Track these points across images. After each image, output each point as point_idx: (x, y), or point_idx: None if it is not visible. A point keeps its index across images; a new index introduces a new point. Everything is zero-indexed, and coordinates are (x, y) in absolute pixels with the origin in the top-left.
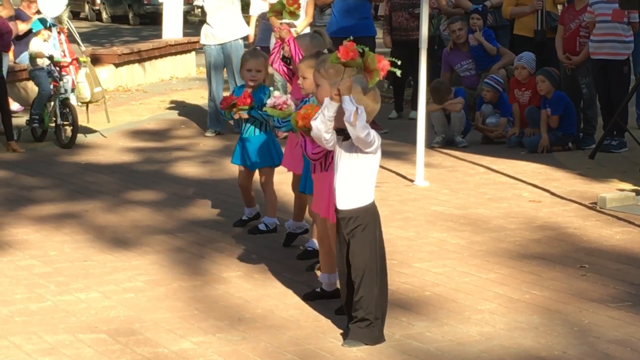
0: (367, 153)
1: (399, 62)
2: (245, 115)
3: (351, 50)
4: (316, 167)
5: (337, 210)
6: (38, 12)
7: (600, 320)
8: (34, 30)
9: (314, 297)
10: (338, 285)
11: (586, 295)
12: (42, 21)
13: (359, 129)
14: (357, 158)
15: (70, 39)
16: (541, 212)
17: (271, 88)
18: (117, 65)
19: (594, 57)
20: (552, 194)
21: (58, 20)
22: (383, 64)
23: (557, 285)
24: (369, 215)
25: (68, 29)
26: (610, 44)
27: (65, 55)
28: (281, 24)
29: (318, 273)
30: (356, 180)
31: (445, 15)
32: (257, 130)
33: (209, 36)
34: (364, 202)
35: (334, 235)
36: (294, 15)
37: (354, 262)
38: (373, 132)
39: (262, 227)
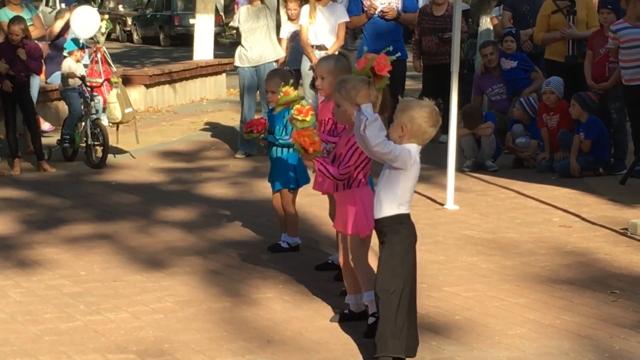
0: (397, 169)
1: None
2: (263, 142)
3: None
4: (338, 186)
5: (375, 222)
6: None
7: (631, 347)
8: (67, 50)
9: (342, 319)
10: (366, 305)
11: (617, 321)
12: (75, 42)
13: (369, 139)
14: (390, 172)
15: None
16: (572, 237)
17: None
18: (147, 86)
19: (629, 84)
20: (583, 219)
21: (96, 40)
22: (378, 62)
23: (588, 311)
24: (399, 225)
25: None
26: None
27: (100, 75)
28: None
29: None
30: (388, 191)
31: (497, 38)
32: (279, 152)
33: (243, 58)
34: (394, 212)
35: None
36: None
37: (378, 272)
38: (398, 148)
39: (283, 245)
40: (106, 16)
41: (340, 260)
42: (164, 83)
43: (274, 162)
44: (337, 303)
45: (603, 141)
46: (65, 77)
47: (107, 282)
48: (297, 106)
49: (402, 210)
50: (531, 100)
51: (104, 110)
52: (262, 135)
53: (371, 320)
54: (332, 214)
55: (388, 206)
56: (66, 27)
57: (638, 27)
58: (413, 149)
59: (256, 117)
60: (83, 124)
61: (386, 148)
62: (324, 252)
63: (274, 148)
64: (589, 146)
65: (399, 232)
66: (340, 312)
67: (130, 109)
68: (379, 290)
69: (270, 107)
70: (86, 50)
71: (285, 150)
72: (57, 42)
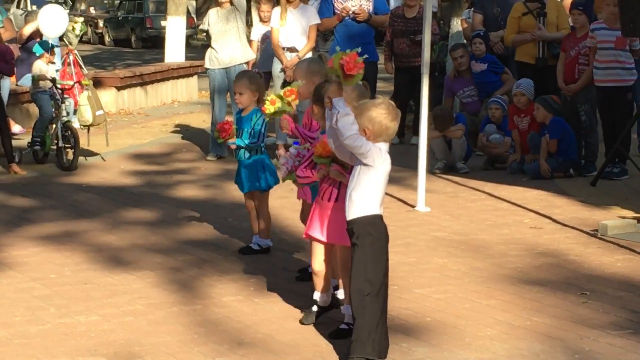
0: (367, 165)
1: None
2: (232, 146)
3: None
4: (324, 196)
5: (347, 223)
6: (41, 36)
7: (601, 348)
8: (37, 54)
9: (315, 319)
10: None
11: (587, 322)
12: (43, 44)
13: (341, 130)
14: (360, 170)
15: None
16: (542, 239)
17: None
18: (119, 88)
19: (599, 84)
20: (554, 220)
21: (68, 41)
22: (347, 62)
23: (558, 312)
24: (370, 226)
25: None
26: (615, 70)
27: (71, 77)
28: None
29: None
30: (359, 191)
31: (468, 40)
32: (247, 153)
33: (213, 60)
34: (365, 212)
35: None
36: (291, 105)
37: (352, 274)
38: (370, 144)
39: (254, 247)
40: (81, 19)
41: (313, 265)
42: (135, 85)
43: (242, 164)
44: (308, 305)
45: (568, 139)
46: (36, 79)
47: (78, 284)
48: (287, 88)
49: (374, 211)
50: (502, 98)
51: (74, 112)
52: (230, 140)
53: (343, 326)
54: (304, 219)
55: (359, 207)
56: (37, 29)
57: (613, 29)
58: (383, 147)
59: (227, 118)
60: (54, 126)
61: (357, 142)
62: (295, 255)
63: (242, 150)
64: (556, 146)
65: (370, 233)
66: (308, 311)
67: (101, 112)
68: (353, 292)
69: (239, 109)
70: (56, 51)
71: (253, 152)
72: (27, 45)
